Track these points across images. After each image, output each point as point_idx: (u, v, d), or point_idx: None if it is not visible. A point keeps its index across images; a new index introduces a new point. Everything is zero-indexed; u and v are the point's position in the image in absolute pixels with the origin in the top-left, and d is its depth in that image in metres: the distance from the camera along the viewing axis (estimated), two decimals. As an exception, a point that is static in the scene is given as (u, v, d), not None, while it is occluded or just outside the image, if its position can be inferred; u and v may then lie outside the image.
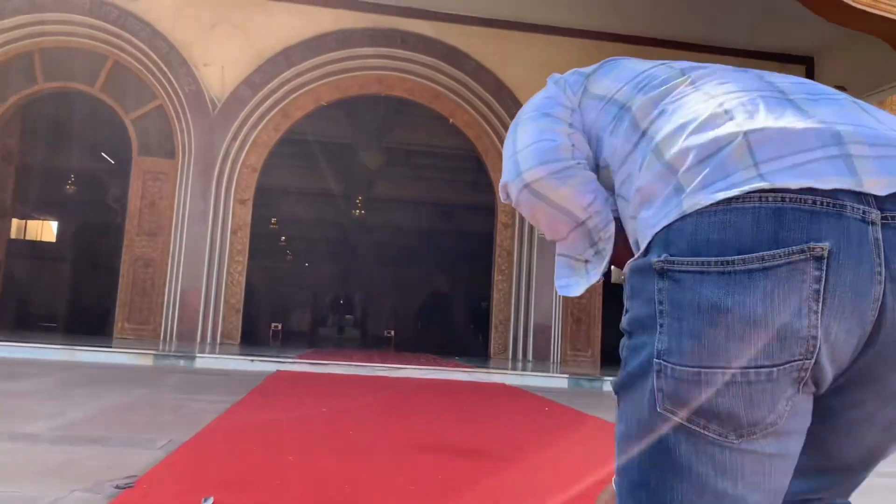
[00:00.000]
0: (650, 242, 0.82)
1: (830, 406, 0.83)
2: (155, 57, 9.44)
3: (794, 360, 0.75)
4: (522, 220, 10.20)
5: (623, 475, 0.84)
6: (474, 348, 13.46)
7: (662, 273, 0.79)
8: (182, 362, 5.73)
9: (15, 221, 27.10)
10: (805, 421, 0.80)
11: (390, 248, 32.58)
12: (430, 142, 14.31)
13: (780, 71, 1.01)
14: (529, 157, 1.00)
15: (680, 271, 0.78)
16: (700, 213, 0.77)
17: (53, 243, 32.53)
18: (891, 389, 0.80)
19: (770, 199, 0.75)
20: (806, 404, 0.79)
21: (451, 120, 10.25)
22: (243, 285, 9.75)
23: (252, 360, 5.82)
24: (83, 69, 9.69)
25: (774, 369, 0.75)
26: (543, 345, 9.79)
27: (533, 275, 9.94)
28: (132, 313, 9.45)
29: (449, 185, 18.76)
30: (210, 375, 5.32)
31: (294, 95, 9.95)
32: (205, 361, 5.72)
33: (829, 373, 0.77)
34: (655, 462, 0.80)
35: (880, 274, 0.74)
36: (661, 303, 0.79)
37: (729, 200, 0.76)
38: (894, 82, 9.02)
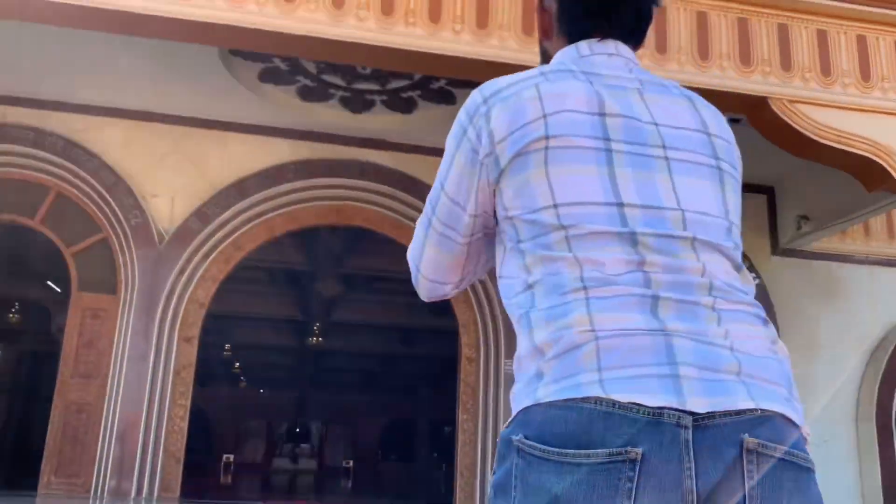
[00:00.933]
0: (516, 416, 1.02)
1: None
2: (100, 188, 9.01)
3: None
4: (488, 353, 9.71)
5: None
6: (436, 490, 12.57)
7: (519, 451, 0.97)
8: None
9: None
10: None
11: (350, 374, 31.68)
12: (391, 266, 13.95)
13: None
14: (423, 287, 1.28)
15: (530, 454, 0.95)
16: (549, 404, 0.96)
17: (-9, 373, 30.94)
18: None
19: (604, 404, 0.92)
20: None
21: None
22: (185, 431, 8.96)
23: (186, 536, 5.10)
24: (23, 201, 9.20)
25: None
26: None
27: (500, 415, 9.34)
28: (61, 465, 8.55)
29: (410, 310, 18.29)
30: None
31: (247, 227, 9.54)
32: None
33: None
34: None
35: (690, 469, 0.88)
36: (515, 477, 0.97)
37: (574, 399, 0.93)
38: (858, 212, 8.97)
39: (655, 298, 0.97)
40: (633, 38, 1.20)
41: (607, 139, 1.03)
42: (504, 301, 1.16)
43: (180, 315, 9.15)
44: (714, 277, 1.00)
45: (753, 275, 10.32)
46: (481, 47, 5.94)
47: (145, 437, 8.59)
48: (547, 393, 0.96)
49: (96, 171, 9.03)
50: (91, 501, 7.94)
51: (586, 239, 1.01)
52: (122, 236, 9.08)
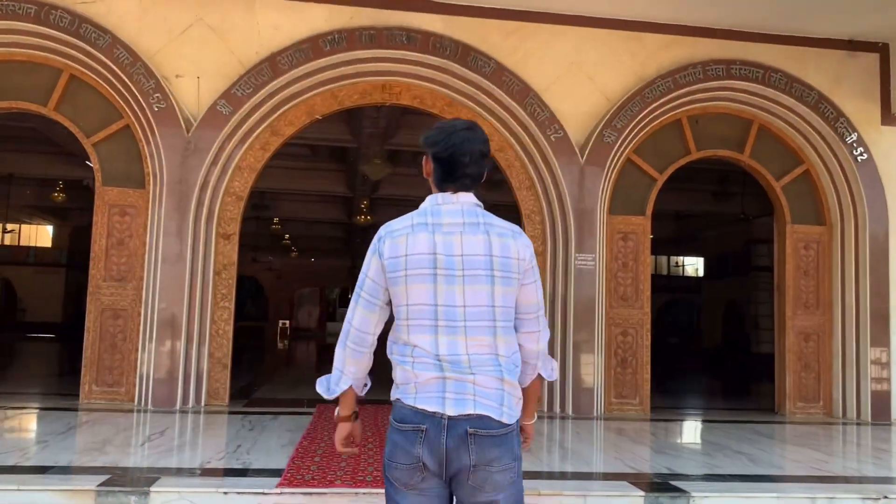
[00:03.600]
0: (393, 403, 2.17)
1: (455, 489, 2.01)
2: (116, 69, 7.93)
3: (414, 463, 1.96)
4: (556, 246, 8.72)
5: None
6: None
7: (390, 423, 2.11)
8: (134, 498, 4.34)
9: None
10: (431, 487, 1.99)
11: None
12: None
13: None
14: (353, 336, 2.14)
15: (392, 425, 2.06)
16: (399, 403, 2.05)
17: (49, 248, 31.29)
18: (461, 489, 1.98)
19: (418, 408, 1.97)
20: (431, 481, 1.98)
21: (468, 132, 8.73)
22: (231, 336, 8.32)
23: (226, 494, 4.42)
24: (33, 85, 8.22)
25: (411, 466, 1.97)
26: (585, 394, 8.33)
27: (570, 305, 8.47)
28: (101, 374, 8.04)
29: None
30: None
31: (283, 109, 8.45)
32: (164, 497, 4.32)
33: (434, 476, 1.98)
34: None
35: (443, 436, 1.94)
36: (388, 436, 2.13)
37: (405, 403, 2.02)
38: None
39: (440, 362, 1.98)
40: (472, 187, 2.12)
41: (434, 268, 1.98)
42: (389, 339, 2.14)
43: (216, 210, 8.29)
44: (472, 350, 1.99)
45: (861, 149, 8.96)
46: None
47: (187, 343, 7.97)
48: (400, 396, 2.04)
49: (110, 49, 7.92)
50: (135, 414, 7.45)
51: (414, 327, 2.02)
52: (145, 123, 8.10)
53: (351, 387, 2.16)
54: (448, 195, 2.08)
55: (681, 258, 32.20)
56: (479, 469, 1.91)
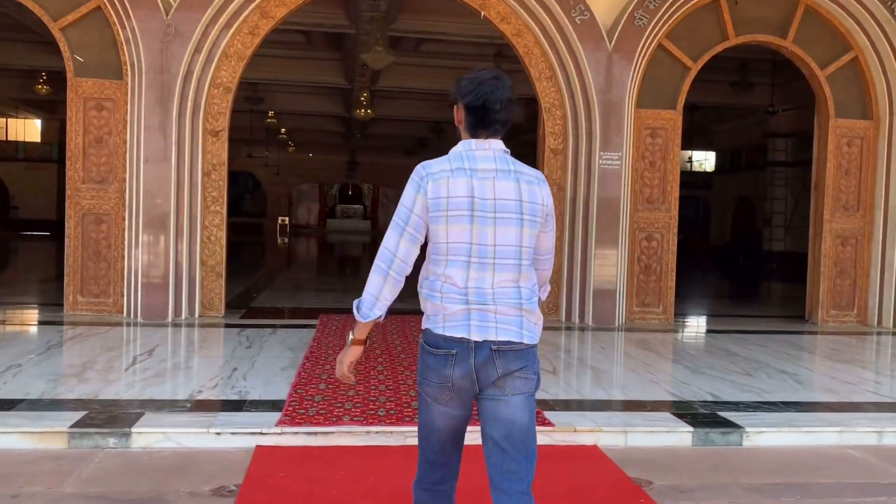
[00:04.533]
0: (423, 330, 2.25)
1: (479, 402, 2.18)
2: (81, -60, 6.93)
3: (445, 382, 2.13)
4: (578, 143, 7.94)
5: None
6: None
7: (421, 346, 2.27)
8: (112, 441, 3.79)
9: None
10: (462, 401, 2.17)
11: (400, 140, 30.19)
12: (442, 25, 11.77)
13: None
14: (396, 266, 2.18)
15: (423, 348, 2.21)
16: (429, 331, 2.18)
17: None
18: (485, 405, 2.17)
19: (447, 334, 2.11)
20: (460, 394, 2.15)
21: (482, 14, 7.79)
22: (224, 242, 7.67)
23: (218, 435, 3.87)
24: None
25: (443, 384, 2.14)
26: (606, 303, 7.77)
27: (592, 208, 7.79)
28: (85, 284, 7.44)
29: (462, 75, 16.17)
30: (149, 474, 3.40)
31: (273, -12, 7.48)
32: (147, 439, 3.77)
33: (466, 389, 2.14)
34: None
35: (471, 357, 2.10)
36: (420, 357, 2.29)
37: (435, 332, 2.15)
38: None
39: (466, 295, 2.12)
40: (501, 132, 2.23)
41: (472, 210, 2.12)
42: (421, 272, 2.24)
43: (202, 103, 7.46)
44: (497, 283, 2.14)
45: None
46: None
47: (177, 251, 7.33)
48: (430, 325, 2.16)
49: (72, -84, 6.89)
50: (124, 328, 6.90)
51: (450, 262, 2.15)
52: (118, 4, 7.16)
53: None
54: (481, 141, 2.21)
55: (690, 152, 31.26)
56: (504, 377, 2.13)
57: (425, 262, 2.22)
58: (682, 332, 7.59)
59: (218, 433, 3.82)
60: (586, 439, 4.06)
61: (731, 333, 7.61)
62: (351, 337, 2.26)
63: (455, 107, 2.26)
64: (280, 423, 3.93)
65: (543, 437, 4.03)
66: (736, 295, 12.79)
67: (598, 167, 7.72)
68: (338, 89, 19.91)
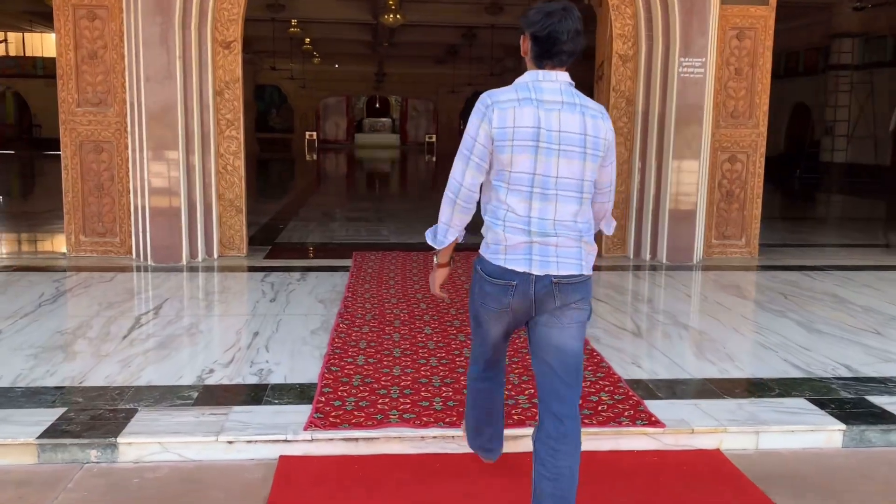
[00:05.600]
0: (478, 258, 2.32)
1: (534, 324, 2.24)
2: None
3: (504, 308, 2.22)
4: (653, 49, 6.72)
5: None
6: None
7: (477, 273, 2.33)
8: (94, 454, 2.92)
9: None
10: (517, 318, 2.26)
11: (430, 47, 28.54)
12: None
13: None
14: (463, 195, 2.24)
15: (481, 276, 2.27)
16: (488, 260, 2.24)
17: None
18: (540, 330, 2.23)
19: (507, 266, 2.15)
20: (516, 316, 2.24)
21: None
22: (243, 172, 6.69)
23: (230, 444, 2.99)
24: None
25: (501, 309, 2.23)
26: (682, 235, 6.73)
27: (669, 124, 6.66)
28: (88, 222, 6.56)
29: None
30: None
31: None
32: (139, 451, 2.89)
33: (524, 312, 2.22)
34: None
35: (532, 288, 2.15)
36: (475, 282, 2.36)
37: (495, 263, 2.19)
38: None
39: (528, 226, 2.14)
40: (567, 63, 2.20)
41: (537, 141, 2.11)
42: (483, 199, 2.30)
43: (210, 8, 6.36)
44: (559, 215, 2.16)
45: None
46: None
47: (189, 181, 6.40)
48: (489, 256, 2.20)
49: None
50: (133, 274, 6.04)
51: (513, 191, 2.16)
52: None
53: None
54: (547, 72, 2.18)
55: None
56: (562, 308, 2.18)
57: (486, 189, 2.26)
58: (773, 269, 6.53)
59: (230, 441, 2.94)
60: (706, 442, 3.12)
61: (828, 271, 6.54)
62: (436, 261, 2.40)
63: (522, 36, 2.25)
64: (310, 425, 3.03)
65: (650, 441, 3.09)
66: (808, 216, 11.59)
67: (677, 76, 6.53)
68: (364, -6, 18.46)
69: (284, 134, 35.19)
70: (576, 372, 2.21)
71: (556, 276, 2.13)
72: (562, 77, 2.18)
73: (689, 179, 6.69)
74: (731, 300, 5.46)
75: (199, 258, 6.48)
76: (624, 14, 6.73)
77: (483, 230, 2.23)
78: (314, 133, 34.43)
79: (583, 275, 2.17)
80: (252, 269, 6.29)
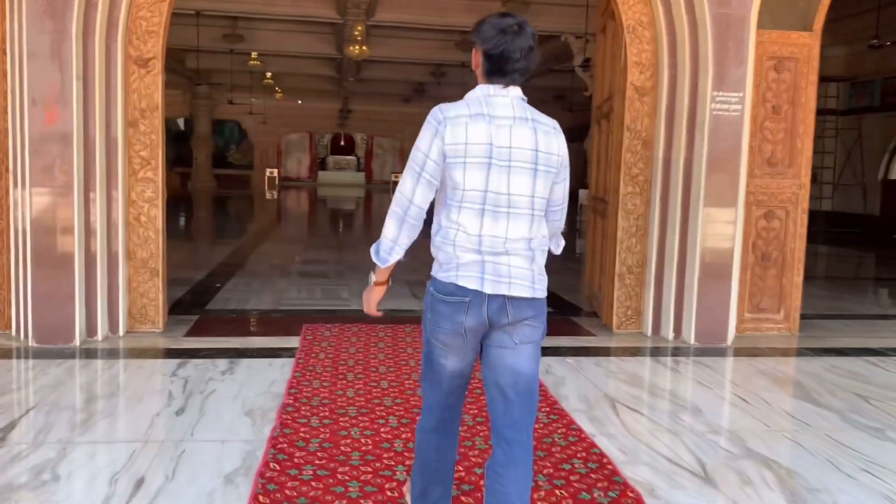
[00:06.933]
0: (432, 280, 2.25)
1: (487, 347, 2.18)
2: None
3: (458, 329, 2.11)
4: (676, 79, 5.48)
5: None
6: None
7: (431, 294, 2.26)
8: None
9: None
10: (473, 345, 2.17)
11: (396, 85, 27.43)
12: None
13: None
14: (412, 213, 2.16)
15: (433, 296, 2.18)
16: (441, 280, 2.15)
17: None
18: (493, 352, 2.17)
19: (460, 283, 2.09)
20: (469, 340, 2.15)
21: None
22: (161, 225, 5.23)
23: None
24: None
25: (455, 329, 2.12)
26: (714, 308, 5.43)
27: (699, 172, 5.41)
28: (-48, 288, 5.03)
29: (470, 11, 13.54)
30: None
31: None
32: None
33: (478, 332, 2.13)
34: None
35: (484, 307, 2.09)
36: (428, 305, 2.26)
37: (447, 281, 2.13)
38: None
39: (479, 245, 2.09)
40: (520, 81, 2.14)
41: (490, 157, 2.06)
42: (434, 220, 2.20)
43: (121, 18, 4.96)
44: (510, 233, 2.10)
45: None
46: None
47: (87, 235, 4.93)
48: (442, 275, 2.13)
49: None
50: (2, 360, 4.52)
51: (465, 209, 2.10)
52: None
53: None
54: (499, 87, 2.14)
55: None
56: (514, 324, 2.12)
57: (437, 209, 2.20)
58: (825, 355, 5.24)
59: None
60: None
61: (893, 356, 5.28)
62: (373, 278, 2.28)
63: (473, 50, 2.20)
64: None
65: None
66: (817, 274, 10.41)
67: (709, 113, 5.28)
68: (329, 25, 17.31)
69: (244, 171, 33.78)
70: (529, 396, 2.17)
71: (508, 296, 2.12)
72: (513, 92, 2.16)
73: (722, 238, 5.42)
74: (802, 409, 4.11)
75: (99, 336, 4.99)
76: (641, 37, 5.49)
77: (433, 252, 2.19)
78: (275, 170, 33.14)
79: (534, 297, 2.15)
80: (167, 352, 4.81)
